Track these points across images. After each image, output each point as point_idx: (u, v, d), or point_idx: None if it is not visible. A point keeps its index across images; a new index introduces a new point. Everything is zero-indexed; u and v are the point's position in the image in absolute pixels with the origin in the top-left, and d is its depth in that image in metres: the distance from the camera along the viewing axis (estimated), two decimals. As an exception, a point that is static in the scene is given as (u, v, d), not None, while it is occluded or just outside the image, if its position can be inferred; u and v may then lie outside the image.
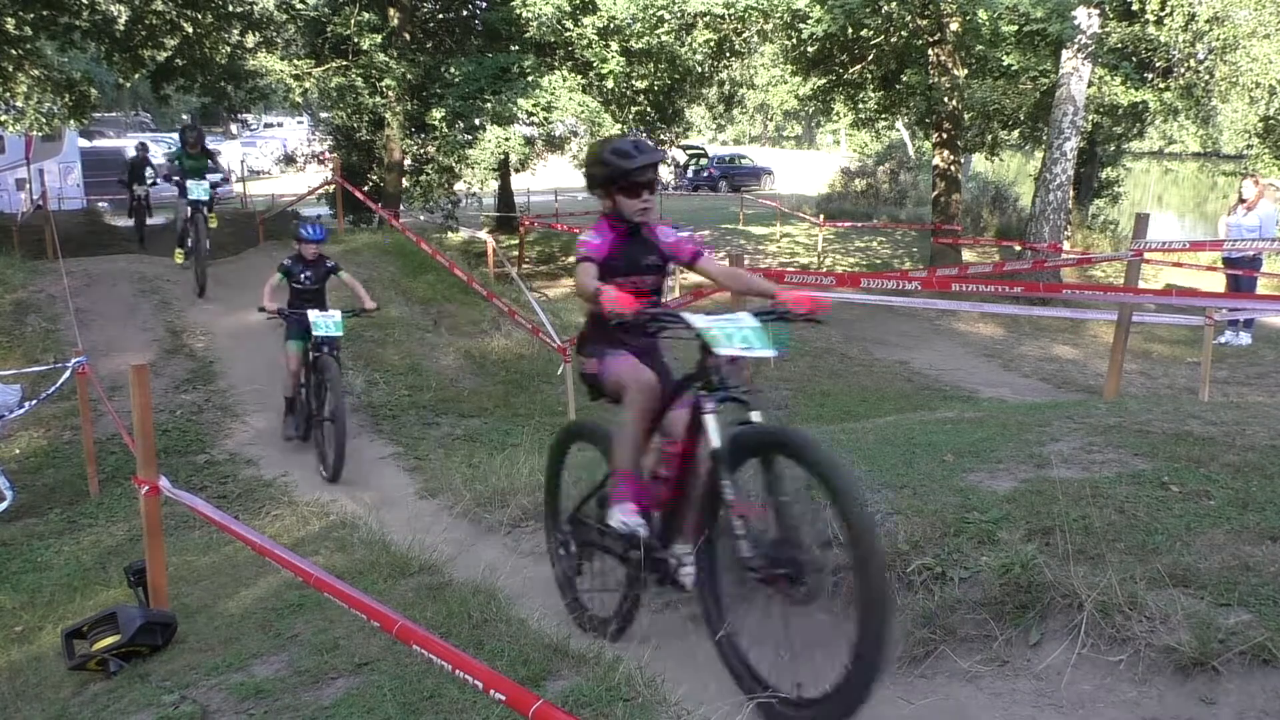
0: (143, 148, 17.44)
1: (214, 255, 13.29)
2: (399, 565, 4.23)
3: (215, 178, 11.06)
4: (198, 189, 10.49)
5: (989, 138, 20.03)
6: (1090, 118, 16.95)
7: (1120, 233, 21.52)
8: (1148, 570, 2.87)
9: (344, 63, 15.96)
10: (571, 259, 19.86)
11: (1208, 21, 14.24)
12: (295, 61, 16.65)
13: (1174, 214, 33.52)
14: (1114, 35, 15.29)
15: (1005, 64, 15.50)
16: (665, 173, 31.24)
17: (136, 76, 16.63)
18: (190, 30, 15.82)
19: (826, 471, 2.57)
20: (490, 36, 17.24)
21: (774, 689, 2.71)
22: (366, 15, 15.74)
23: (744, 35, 16.95)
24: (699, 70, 17.59)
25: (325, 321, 7.02)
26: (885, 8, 15.04)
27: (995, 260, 17.33)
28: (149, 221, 15.81)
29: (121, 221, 20.35)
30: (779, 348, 2.90)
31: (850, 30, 15.30)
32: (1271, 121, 15.45)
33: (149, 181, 15.87)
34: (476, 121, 15.78)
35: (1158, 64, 15.87)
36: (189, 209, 10.53)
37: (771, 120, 64.20)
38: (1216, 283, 12.45)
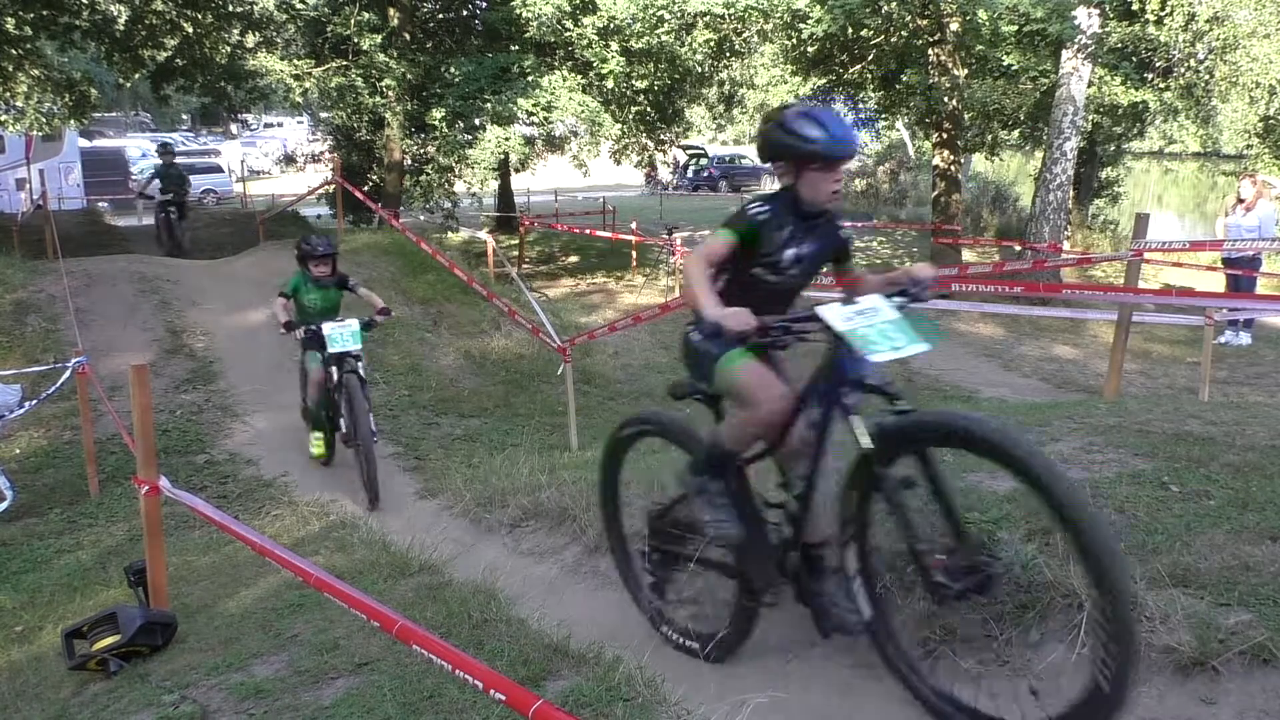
0: (166, 150, 15.93)
1: (214, 254, 13.28)
2: (399, 565, 4.23)
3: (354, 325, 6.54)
4: (342, 337, 6.38)
5: (989, 138, 20.02)
6: (1090, 118, 16.94)
7: (1120, 233, 21.51)
8: (1148, 570, 2.87)
9: (344, 63, 15.95)
10: (572, 259, 20.01)
11: (1208, 21, 14.24)
12: (295, 61, 16.64)
13: (1174, 214, 33.51)
14: (1114, 35, 15.28)
15: (1005, 64, 15.50)
16: (664, 173, 31.21)
17: (136, 76, 16.62)
18: (190, 30, 15.82)
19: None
20: (490, 36, 17.23)
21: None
22: (366, 15, 15.73)
23: (744, 35, 16.94)
24: (699, 70, 17.58)
25: None
26: (885, 8, 15.04)
27: (995, 260, 17.32)
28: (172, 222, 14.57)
29: (122, 221, 20.37)
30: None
31: (850, 30, 15.29)
32: (1271, 121, 15.45)
33: (175, 189, 14.52)
34: (476, 121, 15.78)
35: (1158, 64, 15.87)
36: (331, 369, 6.54)
37: (771, 120, 64.10)
38: (1216, 283, 12.45)
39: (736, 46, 17.70)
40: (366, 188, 16.28)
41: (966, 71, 16.93)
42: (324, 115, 20.94)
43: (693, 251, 3.23)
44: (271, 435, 7.85)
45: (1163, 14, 14.59)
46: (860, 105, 19.56)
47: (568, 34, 15.41)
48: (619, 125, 17.03)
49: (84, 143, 25.84)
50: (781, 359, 3.20)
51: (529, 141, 17.15)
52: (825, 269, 3.29)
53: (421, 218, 19.54)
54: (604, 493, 3.79)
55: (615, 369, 11.08)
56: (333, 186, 14.08)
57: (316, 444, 7.06)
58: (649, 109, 18.11)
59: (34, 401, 7.15)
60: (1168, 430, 4.09)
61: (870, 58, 17.29)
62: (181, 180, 15.00)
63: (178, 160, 16.01)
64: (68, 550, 6.01)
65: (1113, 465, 3.76)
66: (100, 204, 22.97)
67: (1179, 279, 13.86)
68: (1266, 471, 3.48)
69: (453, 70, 15.90)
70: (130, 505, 6.29)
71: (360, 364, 6.56)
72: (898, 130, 29.07)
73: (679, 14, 14.77)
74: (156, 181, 14.73)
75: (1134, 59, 15.85)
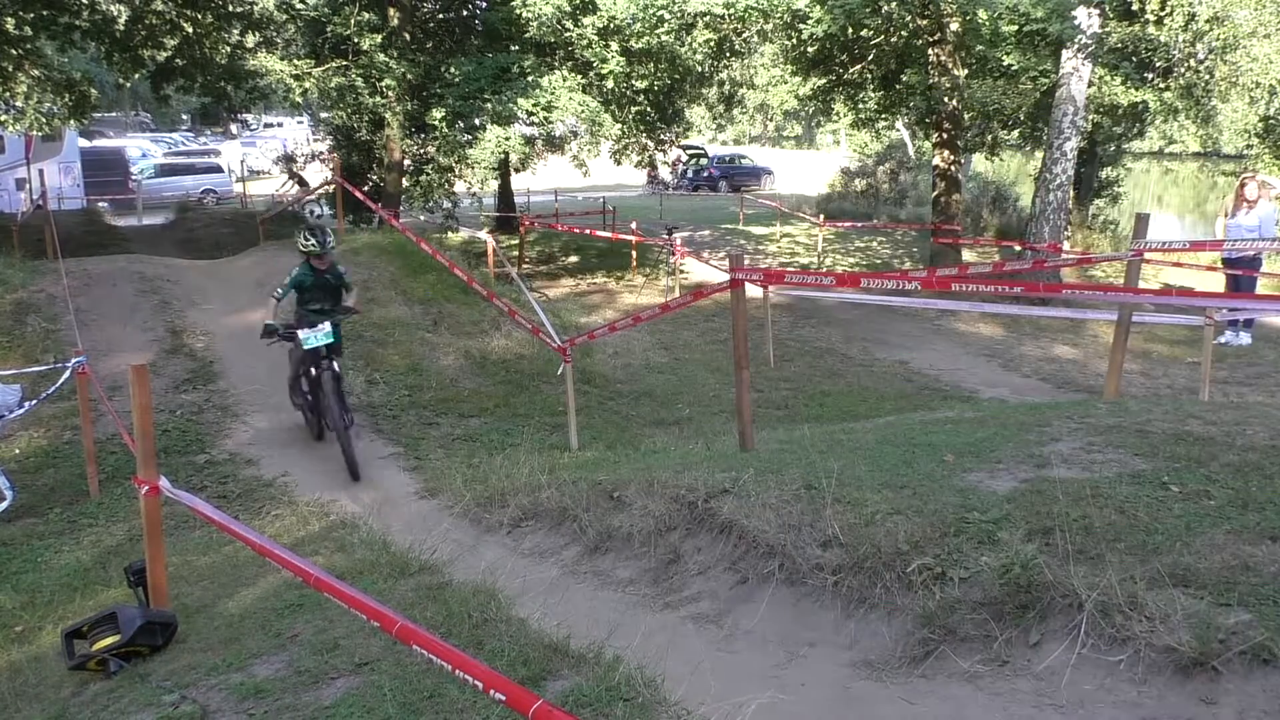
0: (321, 233, 7.13)
1: (214, 254, 13.26)
2: (399, 565, 4.23)
3: None
4: None
5: (989, 138, 20.02)
6: (1090, 118, 16.94)
7: (1120, 233, 21.53)
8: (1148, 570, 2.87)
9: (344, 63, 15.96)
10: (572, 259, 20.04)
11: (1208, 21, 14.23)
12: (295, 61, 16.64)
13: (1174, 214, 33.54)
14: (1114, 35, 15.28)
15: (1005, 64, 15.50)
16: (665, 173, 31.19)
17: (136, 76, 16.65)
18: (190, 30, 15.84)
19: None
20: (490, 36, 17.24)
21: None
22: (366, 15, 15.73)
23: (744, 35, 16.94)
24: (699, 70, 17.60)
25: None
26: (885, 8, 15.03)
27: (995, 260, 17.33)
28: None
29: (122, 221, 20.36)
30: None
31: (850, 30, 15.29)
32: (1271, 121, 15.44)
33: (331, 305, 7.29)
34: (476, 121, 15.78)
35: (1158, 64, 15.86)
36: None
37: (771, 120, 64.26)
38: (1216, 283, 12.44)
39: (736, 46, 17.72)
40: (366, 188, 16.29)
41: (966, 71, 16.94)
42: (324, 115, 20.95)
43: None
44: (271, 435, 7.85)
45: (1163, 14, 14.57)
46: (860, 105, 19.55)
47: (568, 34, 15.42)
48: (619, 125, 17.03)
49: (84, 143, 25.87)
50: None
51: (529, 141, 17.16)
52: None
53: (421, 218, 19.54)
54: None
55: (615, 369, 11.09)
56: (333, 186, 14.08)
57: None
58: (649, 109, 18.13)
59: (34, 401, 7.15)
60: (1168, 430, 4.09)
61: (870, 58, 17.30)
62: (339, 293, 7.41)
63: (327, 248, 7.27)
64: (68, 550, 6.01)
65: (1113, 465, 3.75)
66: (100, 204, 23.00)
67: (1179, 279, 13.87)
68: (1266, 471, 3.48)
69: (453, 70, 15.90)
70: (130, 505, 6.29)
71: None
72: (898, 130, 29.08)
73: (679, 14, 14.77)
74: (293, 294, 7.25)
75: (1134, 59, 15.84)
